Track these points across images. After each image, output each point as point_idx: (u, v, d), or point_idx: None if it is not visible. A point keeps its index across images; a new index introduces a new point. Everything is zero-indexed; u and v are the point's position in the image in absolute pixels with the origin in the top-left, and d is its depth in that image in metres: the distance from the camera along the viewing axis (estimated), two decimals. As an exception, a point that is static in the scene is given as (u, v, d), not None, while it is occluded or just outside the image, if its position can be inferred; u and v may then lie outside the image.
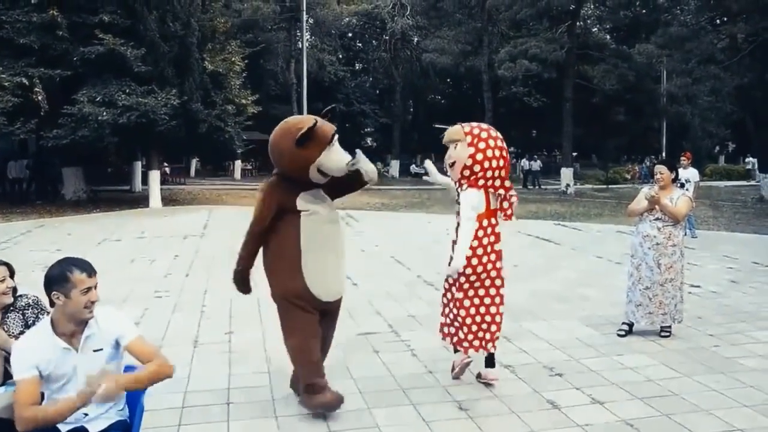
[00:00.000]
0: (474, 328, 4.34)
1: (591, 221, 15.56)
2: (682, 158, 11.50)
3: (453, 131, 4.35)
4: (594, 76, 29.63)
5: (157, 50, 17.12)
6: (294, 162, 3.78)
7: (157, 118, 16.24)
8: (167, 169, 25.72)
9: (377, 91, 44.61)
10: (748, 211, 18.93)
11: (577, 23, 29.23)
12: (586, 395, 4.30)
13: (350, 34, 43.76)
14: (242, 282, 4.08)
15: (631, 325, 5.73)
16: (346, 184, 4.11)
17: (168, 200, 19.99)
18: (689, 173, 11.20)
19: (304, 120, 3.84)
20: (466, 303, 4.33)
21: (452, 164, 4.30)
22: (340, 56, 41.49)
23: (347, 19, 38.72)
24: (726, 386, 4.47)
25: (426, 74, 39.75)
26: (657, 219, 5.54)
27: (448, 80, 44.63)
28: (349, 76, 40.68)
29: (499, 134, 4.39)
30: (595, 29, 37.10)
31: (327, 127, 3.86)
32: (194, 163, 35.57)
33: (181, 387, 4.34)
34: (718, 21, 26.54)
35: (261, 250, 3.99)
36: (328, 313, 4.04)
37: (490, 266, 4.32)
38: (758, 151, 26.12)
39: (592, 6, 33.40)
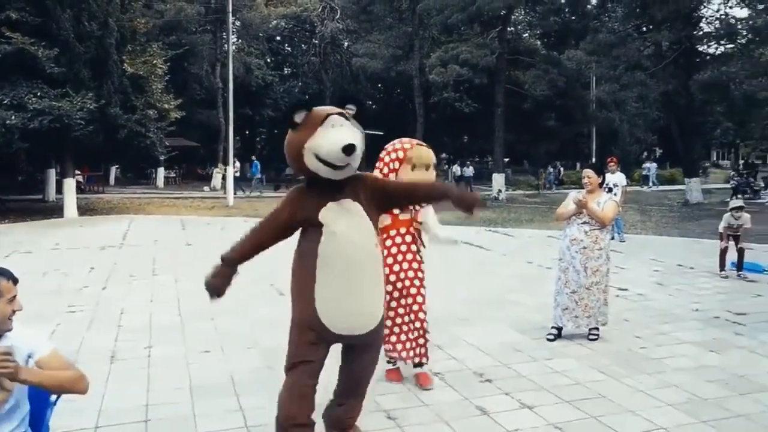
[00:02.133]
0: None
1: (522, 227, 15.78)
2: (610, 163, 11.73)
3: (429, 154, 4.47)
4: (525, 81, 30.22)
5: (71, 51, 16.32)
6: (289, 148, 3.29)
7: (72, 122, 15.49)
8: (80, 178, 24.46)
9: (307, 96, 44.26)
10: (675, 215, 19.64)
11: (508, 29, 29.75)
12: (516, 400, 4.28)
13: (278, 38, 43.32)
14: (215, 275, 3.56)
15: (559, 329, 5.76)
16: (398, 195, 3.58)
17: (85, 210, 19.15)
18: (617, 178, 11.43)
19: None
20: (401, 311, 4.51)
21: None
22: (268, 60, 41.00)
23: (275, 22, 38.26)
24: (652, 386, 4.54)
25: (356, 79, 39.73)
26: (584, 223, 5.58)
27: (379, 85, 44.77)
28: (278, 81, 40.22)
29: None
30: (526, 35, 37.91)
31: (328, 107, 3.36)
32: (113, 171, 34.22)
33: (96, 405, 4.10)
34: (644, 29, 27.47)
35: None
36: (352, 348, 3.43)
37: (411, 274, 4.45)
38: (683, 157, 27.15)
39: (522, 12, 34.06)
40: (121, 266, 9.69)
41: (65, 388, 2.47)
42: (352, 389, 3.55)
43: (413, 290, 4.44)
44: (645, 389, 4.47)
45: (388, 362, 4.64)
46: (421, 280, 4.48)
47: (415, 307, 4.45)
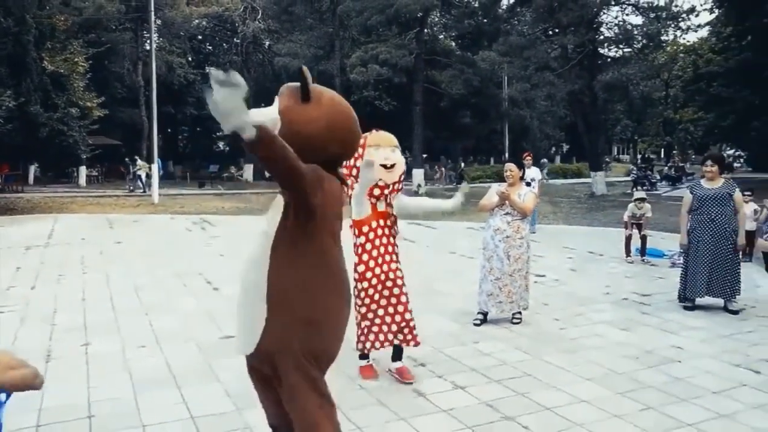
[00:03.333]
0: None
1: (443, 219, 16.16)
2: (527, 158, 12.25)
3: (391, 137, 4.44)
4: (441, 81, 30.89)
5: (-14, 47, 15.68)
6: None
7: (-11, 121, 14.86)
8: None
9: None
10: (582, 206, 20.66)
11: (425, 30, 30.38)
12: (449, 382, 4.50)
13: (200, 37, 42.49)
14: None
15: (485, 314, 6.07)
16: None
17: (4, 209, 18.22)
18: (533, 172, 12.00)
19: None
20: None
21: (392, 166, 4.33)
22: (190, 59, 40.18)
23: (197, 21, 37.52)
24: (571, 363, 4.88)
25: (279, 78, 39.38)
26: (507, 214, 5.92)
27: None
28: (200, 79, 39.47)
29: None
30: (442, 36, 38.69)
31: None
32: (33, 170, 32.63)
33: (35, 404, 4.02)
34: (550, 32, 28.71)
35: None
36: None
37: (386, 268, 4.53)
38: (588, 152, 28.55)
39: (438, 14, 34.80)
40: (49, 265, 9.35)
41: (20, 384, 2.46)
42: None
43: (399, 281, 4.53)
44: (566, 366, 4.82)
45: (362, 358, 4.69)
46: (400, 269, 4.57)
47: (397, 291, 4.51)
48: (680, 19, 26.35)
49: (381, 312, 4.50)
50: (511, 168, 5.97)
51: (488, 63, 27.67)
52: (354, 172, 4.33)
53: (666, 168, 36.94)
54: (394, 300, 4.51)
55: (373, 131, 4.46)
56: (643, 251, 9.68)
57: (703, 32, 40.08)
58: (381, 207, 4.43)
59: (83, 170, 31.45)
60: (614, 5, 26.79)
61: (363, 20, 28.31)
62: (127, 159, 28.18)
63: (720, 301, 6.62)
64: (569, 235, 12.66)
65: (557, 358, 5.01)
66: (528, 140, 39.66)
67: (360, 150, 4.20)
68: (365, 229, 4.42)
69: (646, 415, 3.91)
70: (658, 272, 8.84)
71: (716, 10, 31.96)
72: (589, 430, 3.69)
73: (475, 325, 6.00)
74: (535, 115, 38.72)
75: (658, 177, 30.98)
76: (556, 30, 27.56)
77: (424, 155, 28.23)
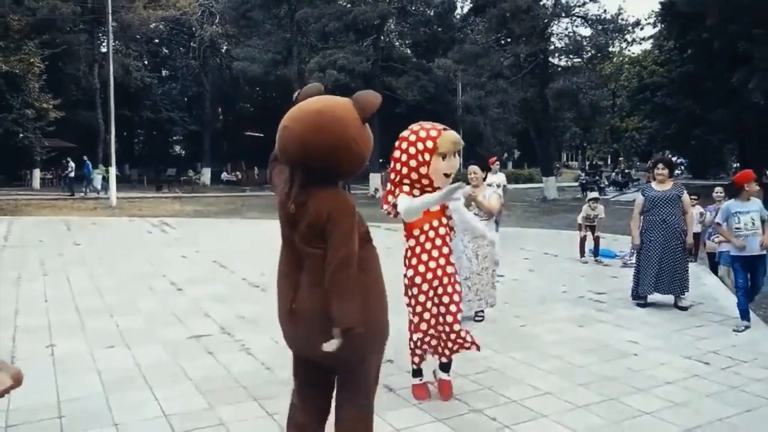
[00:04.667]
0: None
1: (401, 222, 16.37)
2: (495, 163, 11.90)
3: (459, 139, 3.97)
4: (398, 87, 31.21)
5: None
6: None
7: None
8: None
9: (186, 99, 43.07)
10: (535, 210, 21.18)
11: (382, 37, 30.65)
12: (417, 378, 4.59)
13: (157, 40, 41.85)
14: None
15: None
16: None
17: (-47, 212, 17.64)
18: (499, 178, 11.90)
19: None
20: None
21: (451, 174, 3.94)
22: (147, 62, 39.54)
23: (154, 24, 36.93)
24: (533, 358, 5.05)
25: (236, 82, 39.24)
26: (474, 215, 6.09)
27: (258, 89, 44.38)
28: (157, 83, 38.92)
29: None
30: (398, 43, 39.06)
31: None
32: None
33: (2, 406, 3.92)
34: (503, 41, 29.36)
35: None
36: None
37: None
38: (540, 157, 29.22)
39: (394, 22, 35.14)
40: (6, 268, 9.11)
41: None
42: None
43: (450, 288, 4.14)
44: (528, 361, 4.98)
45: (414, 375, 4.36)
46: (456, 274, 4.21)
47: (446, 300, 4.14)
48: (626, 32, 27.37)
49: (433, 321, 4.15)
50: (474, 170, 6.13)
51: (443, 70, 28.13)
52: (412, 162, 3.88)
53: (613, 174, 38.07)
54: (443, 309, 4.15)
55: (439, 128, 3.90)
56: (596, 252, 10.05)
57: (647, 45, 41.63)
58: (434, 208, 4.00)
59: (37, 173, 30.55)
60: (564, 17, 27.62)
61: (321, 26, 28.45)
62: (65, 160, 27.17)
63: (670, 298, 6.94)
64: (525, 238, 12.98)
65: (520, 353, 5.17)
66: (482, 146, 40.26)
67: (426, 155, 3.80)
68: (416, 232, 4.07)
69: (607, 406, 4.09)
70: (611, 272, 9.20)
71: (659, 25, 33.20)
72: (554, 420, 3.85)
73: None
74: (488, 122, 39.38)
75: (606, 182, 31.96)
76: (509, 39, 28.22)
77: (381, 160, 28.39)
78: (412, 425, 3.79)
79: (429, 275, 4.02)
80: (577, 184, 32.65)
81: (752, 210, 6.12)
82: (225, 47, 39.00)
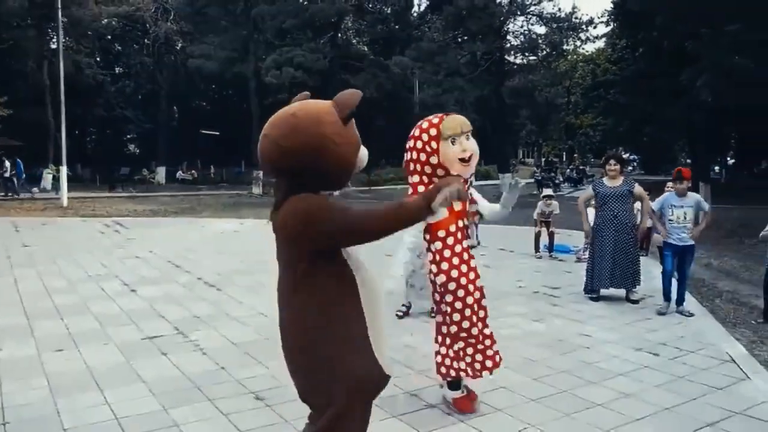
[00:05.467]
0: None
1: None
2: None
3: (465, 121, 3.67)
4: (355, 84, 31.12)
5: None
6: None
7: None
8: None
9: (140, 97, 42.22)
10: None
11: (339, 35, 30.60)
12: (373, 374, 4.62)
13: (109, 37, 40.86)
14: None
15: (409, 306, 6.31)
16: None
17: None
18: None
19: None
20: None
21: (469, 158, 3.61)
22: (99, 59, 38.58)
23: (106, 20, 36.06)
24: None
25: (191, 80, 38.64)
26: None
27: (214, 86, 43.81)
28: (110, 80, 38.04)
29: None
30: (356, 41, 39.01)
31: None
32: None
33: (-60, 414, 3.82)
34: (460, 39, 29.59)
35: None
36: None
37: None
38: (497, 155, 29.57)
39: (351, 19, 35.08)
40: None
41: None
42: None
43: (484, 301, 3.87)
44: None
45: (452, 388, 3.97)
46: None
47: (482, 314, 3.86)
48: (580, 30, 27.93)
49: (475, 331, 3.79)
50: None
51: (400, 68, 28.21)
52: (422, 156, 3.62)
53: (568, 170, 38.79)
54: (480, 324, 3.82)
55: (440, 115, 3.70)
56: (551, 247, 10.22)
57: (601, 43, 42.42)
58: (458, 206, 3.64)
59: (-19, 173, 29.55)
60: (520, 15, 28.01)
61: (278, 23, 28.24)
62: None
63: (622, 292, 7.10)
64: (481, 234, 13.10)
65: (476, 348, 5.23)
66: (439, 144, 40.56)
67: (434, 143, 3.57)
68: (441, 233, 3.68)
69: (561, 398, 4.17)
70: (565, 267, 9.38)
71: (612, 23, 33.88)
72: (509, 414, 3.91)
73: (398, 317, 6.20)
74: (445, 120, 39.67)
75: (561, 178, 32.54)
76: (466, 37, 28.46)
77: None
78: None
79: (463, 280, 3.67)
80: (532, 180, 33.13)
81: (686, 205, 6.43)
82: (180, 44, 38.35)
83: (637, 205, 7.83)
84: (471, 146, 3.60)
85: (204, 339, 5.45)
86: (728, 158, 47.68)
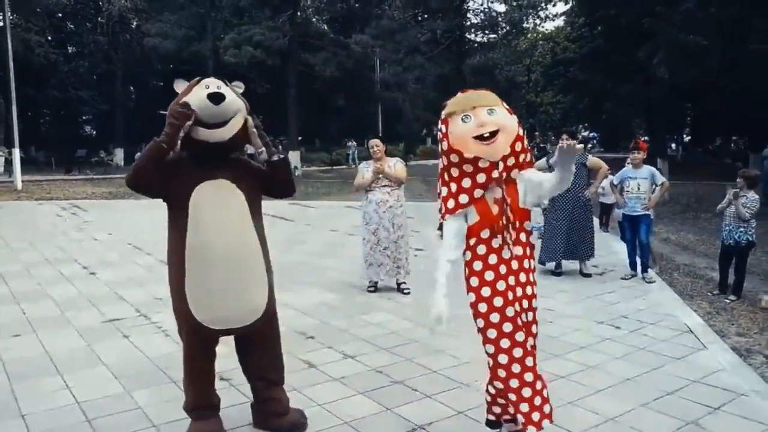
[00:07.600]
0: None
1: (321, 199, 16.45)
2: None
3: (484, 94, 2.82)
4: (315, 63, 30.75)
5: None
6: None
7: None
8: None
9: (95, 77, 40.96)
10: (454, 185, 21.46)
11: (298, 13, 30.10)
12: (338, 352, 4.62)
13: (60, 14, 39.44)
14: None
15: (376, 283, 6.40)
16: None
17: None
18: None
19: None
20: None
21: (495, 132, 2.69)
22: (50, 38, 37.22)
23: (57, -3, 34.79)
24: (453, 330, 5.04)
25: (148, 59, 37.66)
26: (385, 186, 6.26)
27: (172, 66, 42.81)
28: (62, 60, 36.78)
29: None
30: (315, 19, 38.49)
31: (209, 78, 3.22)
32: None
33: None
34: (420, 17, 29.49)
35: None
36: (240, 339, 3.29)
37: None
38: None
39: (311, -4, 34.62)
40: None
41: None
42: (263, 378, 3.36)
43: (531, 315, 2.92)
44: (448, 332, 4.99)
45: (491, 426, 3.18)
46: (535, 297, 2.93)
47: (520, 337, 2.86)
48: (540, 8, 28.08)
49: (517, 368, 2.85)
50: (376, 143, 6.28)
51: (361, 46, 27.96)
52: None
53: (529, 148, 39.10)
54: (530, 343, 2.89)
55: (459, 94, 2.88)
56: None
57: (560, 21, 42.63)
58: (495, 209, 2.80)
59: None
60: (480, -8, 27.99)
61: (235, 1, 27.63)
62: None
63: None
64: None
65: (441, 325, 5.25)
66: (401, 122, 40.44)
67: (444, 127, 2.78)
68: (472, 241, 2.88)
69: (524, 370, 4.23)
70: (527, 243, 9.45)
71: (571, 1, 34.09)
72: (474, 388, 3.94)
73: (369, 291, 6.37)
74: (406, 98, 39.53)
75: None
76: (426, 15, 28.37)
77: (299, 138, 28.06)
78: (334, 399, 3.80)
79: (498, 301, 2.84)
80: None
81: (640, 177, 6.90)
82: (135, 22, 37.23)
83: (605, 183, 8.05)
84: (493, 119, 2.69)
85: (166, 321, 5.35)
86: (684, 135, 48.65)
